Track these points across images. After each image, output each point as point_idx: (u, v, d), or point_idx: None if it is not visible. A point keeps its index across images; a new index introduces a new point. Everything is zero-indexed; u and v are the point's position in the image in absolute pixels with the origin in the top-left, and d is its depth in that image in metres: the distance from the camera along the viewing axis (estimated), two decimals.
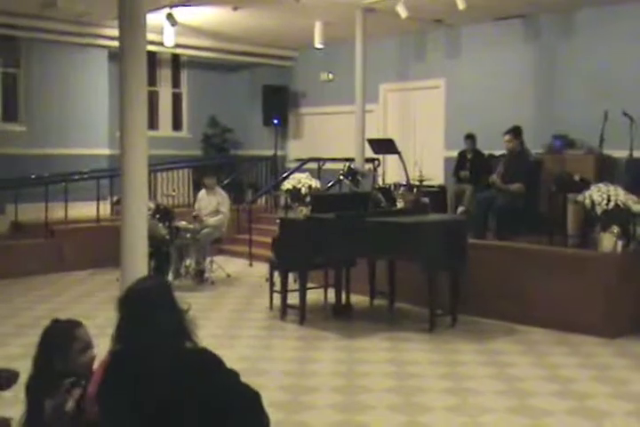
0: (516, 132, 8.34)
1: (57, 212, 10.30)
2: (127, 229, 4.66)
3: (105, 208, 10.90)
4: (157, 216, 8.79)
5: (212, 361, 2.47)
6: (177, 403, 2.34)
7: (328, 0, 9.38)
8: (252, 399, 2.49)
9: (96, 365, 2.73)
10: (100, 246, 9.75)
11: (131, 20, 4.62)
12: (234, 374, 2.49)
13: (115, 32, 10.41)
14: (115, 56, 11.91)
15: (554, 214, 7.89)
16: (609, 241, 6.74)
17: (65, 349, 2.79)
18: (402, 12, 9.20)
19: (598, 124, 8.23)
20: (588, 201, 6.79)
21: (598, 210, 6.71)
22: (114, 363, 2.49)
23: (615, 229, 6.71)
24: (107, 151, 11.68)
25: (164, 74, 13.86)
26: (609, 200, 6.66)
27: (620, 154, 8.42)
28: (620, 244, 6.74)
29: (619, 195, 6.69)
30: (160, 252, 8.61)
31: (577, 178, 7.72)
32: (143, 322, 2.45)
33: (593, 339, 6.44)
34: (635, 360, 5.87)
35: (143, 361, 2.39)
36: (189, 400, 2.34)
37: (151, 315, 2.46)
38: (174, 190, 10.56)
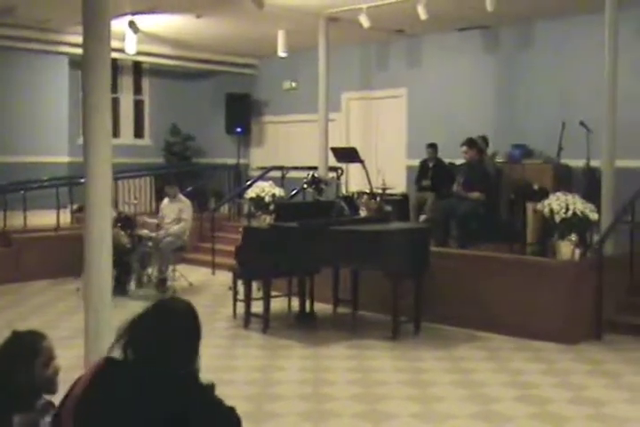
0: (471, 142, 8.49)
1: (16, 220, 10.14)
2: (91, 237, 4.61)
3: (65, 216, 10.76)
4: (119, 225, 8.71)
5: (200, 387, 2.44)
6: (159, 422, 2.31)
7: (291, 9, 9.42)
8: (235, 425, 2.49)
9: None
10: (59, 256, 9.62)
11: (95, 28, 4.59)
12: (219, 402, 2.47)
13: (76, 39, 10.41)
14: (75, 63, 11.86)
15: (514, 222, 8.02)
16: (567, 249, 6.87)
17: (28, 363, 2.67)
18: (364, 21, 9.28)
19: (556, 134, 8.40)
20: (546, 210, 6.91)
21: (557, 218, 6.83)
22: (106, 370, 2.44)
23: (573, 237, 6.85)
24: (67, 159, 11.56)
25: (126, 81, 13.76)
26: (567, 209, 6.79)
27: (577, 163, 8.60)
28: (577, 252, 6.88)
29: (576, 204, 6.83)
30: (122, 261, 8.53)
31: (536, 187, 7.86)
32: (157, 339, 2.40)
33: (553, 345, 6.56)
34: (594, 366, 5.99)
35: (135, 376, 2.35)
36: (172, 421, 2.31)
37: (173, 341, 2.40)
38: (136, 198, 10.48)
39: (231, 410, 2.51)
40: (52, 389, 2.71)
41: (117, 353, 2.46)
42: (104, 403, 2.37)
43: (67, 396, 2.50)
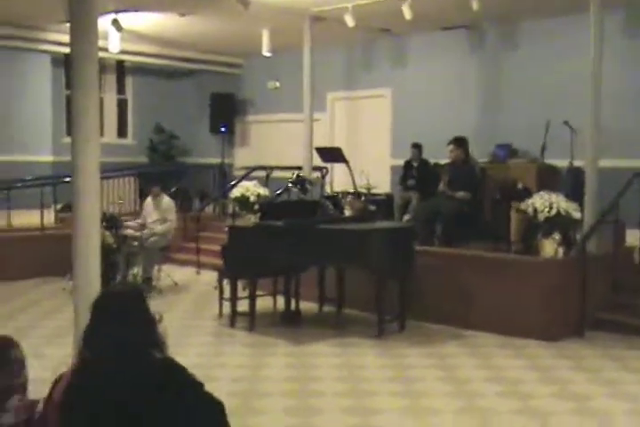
0: (458, 141, 8.52)
1: (0, 220, 10.07)
2: (79, 236, 4.60)
3: (49, 216, 10.70)
4: (104, 224, 8.67)
5: (177, 371, 2.47)
6: (142, 413, 2.33)
7: (276, 8, 9.44)
8: (217, 409, 2.51)
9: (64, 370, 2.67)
10: (44, 255, 9.60)
11: (82, 27, 4.57)
12: (199, 385, 2.51)
13: (58, 37, 10.38)
14: (57, 61, 11.81)
15: (498, 222, 8.07)
16: (550, 247, 6.94)
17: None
18: (349, 20, 9.33)
19: (540, 134, 8.47)
20: (530, 209, 6.98)
21: (540, 217, 6.90)
22: (80, 370, 2.47)
23: (556, 235, 6.92)
24: (50, 158, 11.50)
25: (109, 80, 13.72)
26: (551, 208, 6.86)
27: (561, 163, 8.68)
28: (561, 250, 6.96)
29: (560, 203, 6.90)
30: (107, 260, 8.49)
31: (520, 186, 7.92)
32: (115, 328, 2.44)
33: (536, 342, 6.62)
34: (576, 361, 6.06)
35: (111, 370, 2.38)
36: (154, 410, 2.34)
37: (124, 321, 2.45)
38: (121, 198, 10.44)
39: (210, 394, 2.55)
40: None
41: (87, 353, 2.49)
42: (89, 400, 2.39)
43: (49, 397, 2.52)
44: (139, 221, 9.25)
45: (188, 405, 2.40)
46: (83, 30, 4.59)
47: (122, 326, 2.44)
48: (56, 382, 2.57)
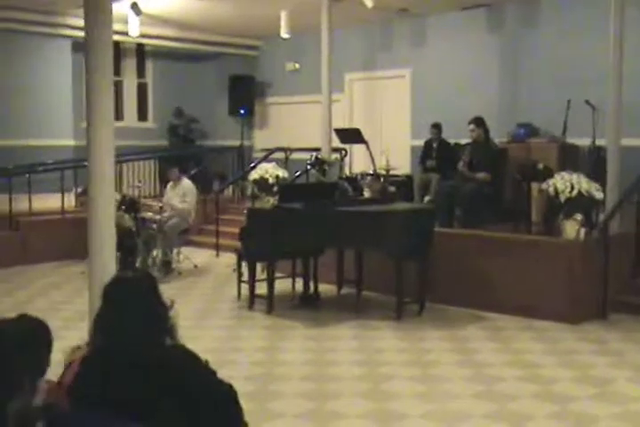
0: (478, 121, 8.40)
1: (21, 203, 10.15)
2: (94, 220, 4.61)
3: (69, 200, 10.76)
4: (123, 207, 8.70)
5: (188, 358, 2.46)
6: (151, 400, 2.33)
7: None
8: (228, 395, 2.50)
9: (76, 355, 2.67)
10: (65, 238, 9.67)
11: (97, 10, 4.55)
12: (209, 373, 2.50)
13: (78, 22, 10.35)
14: (78, 46, 11.80)
15: (518, 203, 7.99)
16: (572, 228, 6.84)
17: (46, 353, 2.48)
18: (368, 1, 9.20)
19: (561, 113, 8.34)
20: (551, 189, 6.88)
21: (562, 198, 6.80)
22: (91, 355, 2.47)
23: (578, 216, 6.82)
24: (71, 142, 11.54)
25: (129, 64, 13.69)
26: (572, 188, 6.75)
27: (583, 142, 8.55)
28: (582, 231, 6.85)
29: (582, 183, 6.79)
30: (127, 243, 8.53)
31: (540, 166, 7.81)
32: (125, 313, 2.43)
33: (557, 325, 6.55)
34: (598, 345, 5.99)
35: (121, 356, 2.37)
36: (164, 397, 2.33)
37: (134, 306, 2.44)
38: (140, 181, 10.46)
39: (221, 381, 2.53)
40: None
41: (97, 339, 2.49)
42: (97, 387, 2.39)
43: (60, 382, 2.53)
44: (157, 203, 9.28)
45: (197, 393, 2.39)
46: (97, 15, 4.56)
47: (131, 314, 2.43)
48: (67, 367, 2.58)
